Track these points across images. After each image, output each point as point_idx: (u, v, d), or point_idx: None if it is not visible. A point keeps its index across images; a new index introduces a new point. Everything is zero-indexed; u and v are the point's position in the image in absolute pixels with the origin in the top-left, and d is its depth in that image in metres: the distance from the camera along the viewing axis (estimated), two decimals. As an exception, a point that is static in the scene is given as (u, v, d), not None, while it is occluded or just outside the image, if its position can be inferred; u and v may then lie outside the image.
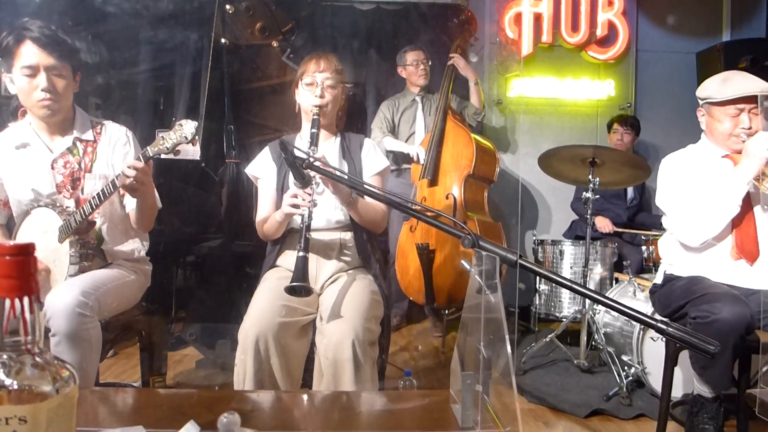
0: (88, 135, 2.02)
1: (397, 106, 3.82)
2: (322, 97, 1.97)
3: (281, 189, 2.01)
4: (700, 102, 2.20)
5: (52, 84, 1.86)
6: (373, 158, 2.10)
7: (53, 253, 1.92)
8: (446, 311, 3.36)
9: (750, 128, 2.04)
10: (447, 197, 3.34)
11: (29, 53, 1.82)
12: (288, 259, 1.98)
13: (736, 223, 2.05)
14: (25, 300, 0.67)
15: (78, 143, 2.00)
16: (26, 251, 0.67)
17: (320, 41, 4.38)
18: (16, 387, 0.65)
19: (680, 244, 2.17)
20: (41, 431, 0.65)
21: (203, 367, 3.03)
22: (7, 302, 0.66)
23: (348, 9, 4.46)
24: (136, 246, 2.12)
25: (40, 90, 1.85)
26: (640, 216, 4.04)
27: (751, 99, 2.04)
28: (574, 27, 4.33)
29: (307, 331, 1.85)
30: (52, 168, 1.97)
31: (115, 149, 2.04)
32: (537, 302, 3.56)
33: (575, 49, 4.41)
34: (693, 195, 2.09)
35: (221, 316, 3.14)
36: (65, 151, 1.98)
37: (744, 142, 2.04)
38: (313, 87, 1.98)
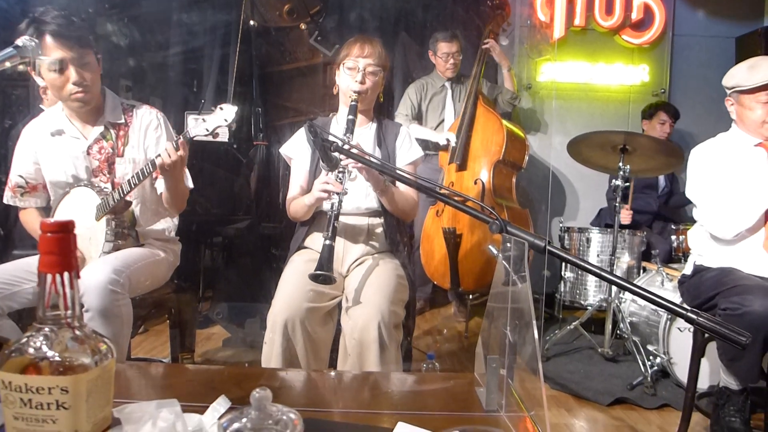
0: (120, 119, 2.05)
1: (425, 90, 3.76)
2: (362, 83, 1.95)
3: (314, 171, 2.02)
4: (728, 91, 2.16)
5: (81, 76, 1.88)
6: (407, 147, 2.09)
7: (89, 230, 1.97)
8: (470, 296, 3.36)
9: None
10: (475, 182, 3.33)
11: (53, 49, 1.81)
12: (316, 240, 1.99)
13: None
14: (66, 275, 0.70)
15: (110, 128, 2.03)
16: (67, 228, 0.70)
17: (348, 23, 4.36)
18: (57, 359, 0.68)
19: (711, 236, 2.13)
20: (81, 401, 0.68)
21: (230, 345, 3.09)
22: (49, 277, 0.69)
23: (377, -9, 4.43)
24: (167, 225, 2.17)
25: (71, 84, 1.87)
26: (673, 200, 3.96)
27: None
28: (609, 10, 4.22)
29: (333, 316, 1.87)
30: (88, 154, 2.01)
31: (147, 133, 2.07)
32: (562, 289, 3.53)
33: (609, 33, 4.30)
34: (725, 186, 2.04)
35: (248, 295, 3.19)
36: (99, 137, 2.02)
37: None
38: (355, 72, 1.95)
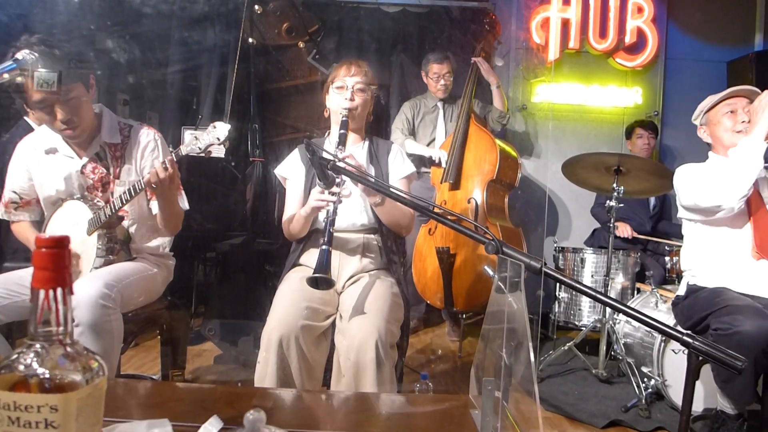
0: (116, 139, 2.03)
1: (418, 108, 3.81)
2: (352, 100, 2.00)
3: (308, 190, 2.02)
4: (698, 123, 2.31)
5: (68, 114, 1.85)
6: (399, 163, 2.12)
7: (81, 245, 1.96)
8: (464, 315, 3.35)
9: (749, 121, 2.11)
10: (468, 201, 3.33)
11: (38, 91, 1.75)
12: (311, 257, 1.98)
13: (754, 220, 2.07)
14: (59, 291, 0.69)
15: (106, 148, 2.02)
16: (62, 244, 0.69)
17: (346, 43, 4.40)
18: (47, 376, 0.67)
19: (703, 253, 2.18)
20: (71, 420, 0.66)
21: (221, 362, 3.06)
22: (42, 293, 0.68)
23: (374, 11, 4.48)
24: (161, 241, 2.16)
25: (59, 121, 1.85)
26: (661, 224, 3.98)
27: (742, 96, 2.17)
28: (602, 33, 4.29)
29: (327, 335, 1.85)
30: (82, 173, 2.00)
31: (144, 155, 2.05)
32: (556, 310, 3.53)
33: (603, 56, 4.36)
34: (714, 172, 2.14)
35: (242, 312, 3.16)
36: (94, 157, 2.00)
37: None
38: (344, 90, 2.01)
